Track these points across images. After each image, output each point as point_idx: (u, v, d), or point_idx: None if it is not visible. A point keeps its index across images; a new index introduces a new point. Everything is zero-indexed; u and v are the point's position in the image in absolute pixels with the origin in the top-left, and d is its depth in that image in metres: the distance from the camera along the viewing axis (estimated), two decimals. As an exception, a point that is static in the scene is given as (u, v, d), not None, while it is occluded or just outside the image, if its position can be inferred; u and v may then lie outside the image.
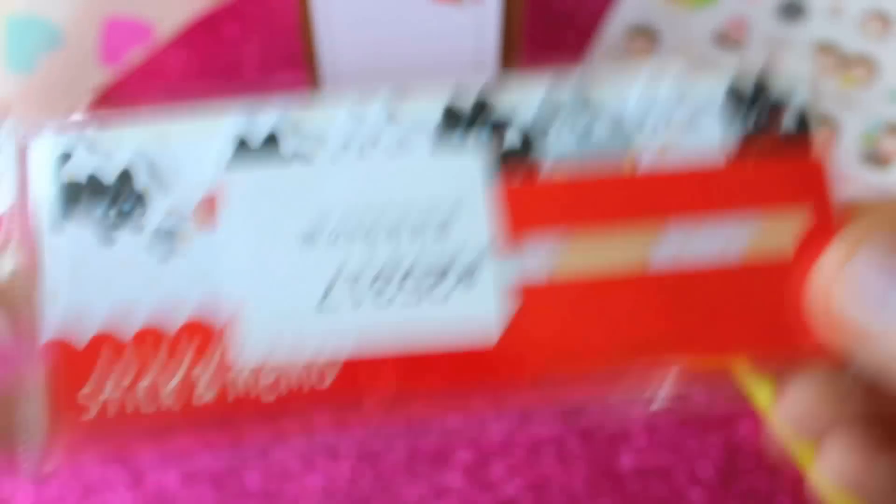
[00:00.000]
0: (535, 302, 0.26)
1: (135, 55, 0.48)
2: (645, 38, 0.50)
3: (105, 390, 0.26)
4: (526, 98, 0.27)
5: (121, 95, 0.49)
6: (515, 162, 0.26)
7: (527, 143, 0.26)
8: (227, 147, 0.26)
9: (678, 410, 0.31)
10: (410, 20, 0.42)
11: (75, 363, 0.26)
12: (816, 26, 0.50)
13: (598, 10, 0.50)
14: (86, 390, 0.26)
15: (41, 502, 0.45)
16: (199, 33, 0.50)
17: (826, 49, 0.49)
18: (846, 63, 0.49)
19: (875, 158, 0.48)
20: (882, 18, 0.50)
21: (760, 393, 0.45)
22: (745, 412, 0.45)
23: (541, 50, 0.50)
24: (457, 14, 0.42)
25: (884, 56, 0.49)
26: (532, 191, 0.26)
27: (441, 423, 0.45)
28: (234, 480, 0.45)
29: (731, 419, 0.45)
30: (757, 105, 0.27)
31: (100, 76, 0.47)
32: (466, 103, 0.27)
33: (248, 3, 0.51)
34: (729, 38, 0.50)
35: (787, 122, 0.27)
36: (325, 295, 0.26)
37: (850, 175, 0.48)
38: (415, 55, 0.43)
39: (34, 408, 0.26)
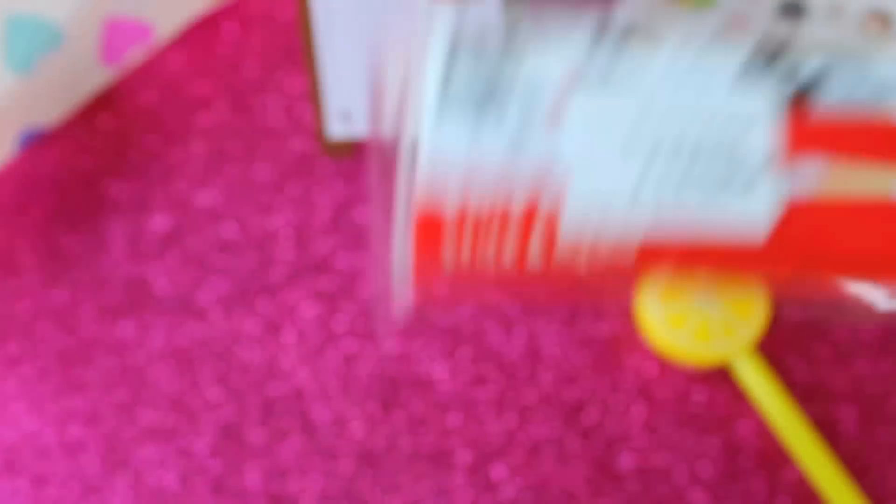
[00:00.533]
0: (797, 214, 0.32)
1: (135, 55, 0.48)
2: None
3: (462, 247, 0.32)
4: (818, 47, 0.33)
5: (121, 96, 0.49)
6: (801, 96, 0.32)
7: (814, 83, 0.32)
8: (574, 68, 0.32)
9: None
10: (410, 20, 0.42)
11: (441, 228, 0.32)
12: (816, 26, 0.50)
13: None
14: (445, 246, 0.32)
15: (41, 501, 0.45)
16: (199, 33, 0.50)
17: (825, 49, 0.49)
18: (846, 63, 0.49)
19: (875, 158, 0.48)
20: (882, 18, 0.50)
21: (760, 390, 0.45)
22: (745, 412, 0.45)
23: (541, 50, 0.50)
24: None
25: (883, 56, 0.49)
26: (813, 123, 0.32)
27: (441, 422, 0.45)
28: (235, 480, 0.45)
29: (731, 419, 0.45)
30: None
31: (100, 76, 0.47)
32: (776, 45, 0.33)
33: (248, 2, 0.51)
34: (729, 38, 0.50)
35: None
36: (636, 189, 0.32)
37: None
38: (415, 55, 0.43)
39: (406, 255, 0.33)
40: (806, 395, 0.46)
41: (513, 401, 0.46)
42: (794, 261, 0.32)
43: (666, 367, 0.46)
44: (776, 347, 0.46)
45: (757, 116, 0.32)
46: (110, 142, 0.49)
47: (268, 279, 0.47)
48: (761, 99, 0.32)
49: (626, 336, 0.46)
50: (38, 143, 0.49)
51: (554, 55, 0.32)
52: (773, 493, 0.44)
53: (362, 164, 0.49)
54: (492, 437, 0.45)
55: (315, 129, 0.48)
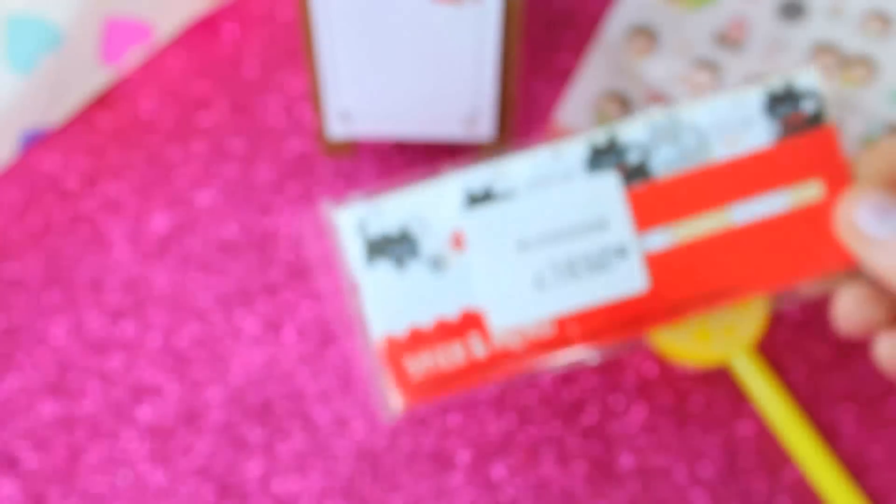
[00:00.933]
0: (664, 263, 0.40)
1: (134, 55, 0.48)
2: (645, 37, 0.50)
3: (420, 359, 0.40)
4: (637, 129, 0.40)
5: (121, 96, 0.49)
6: (637, 175, 0.40)
7: (643, 161, 0.40)
8: (458, 199, 0.40)
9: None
10: (410, 20, 0.42)
11: (399, 350, 0.40)
12: (816, 26, 0.50)
13: (598, 10, 0.50)
14: (407, 362, 0.40)
15: (41, 503, 0.45)
16: (199, 33, 0.50)
17: (826, 49, 0.49)
18: (846, 63, 0.49)
19: (875, 158, 0.48)
20: (882, 18, 0.50)
21: (760, 390, 0.45)
22: (745, 412, 0.45)
23: (541, 50, 0.50)
24: (457, 14, 0.42)
25: (884, 56, 0.49)
26: (650, 192, 0.40)
27: (441, 422, 0.45)
28: (235, 479, 0.45)
29: (731, 419, 0.45)
30: (788, 103, 0.40)
31: (100, 76, 0.47)
32: (602, 140, 0.40)
33: (248, 2, 0.51)
34: (729, 38, 0.50)
35: (808, 109, 0.40)
36: (538, 279, 0.40)
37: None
38: (415, 55, 0.43)
39: (381, 379, 0.40)
40: (806, 395, 0.46)
41: (513, 401, 0.46)
42: (681, 299, 0.40)
43: (666, 367, 0.46)
44: (776, 347, 0.46)
45: (608, 196, 0.40)
46: (110, 142, 0.49)
47: (268, 279, 0.47)
48: (608, 183, 0.40)
49: (626, 336, 0.46)
50: (38, 143, 0.49)
51: (439, 193, 0.40)
52: (773, 493, 0.44)
53: (362, 164, 0.49)
54: (492, 437, 0.45)
55: (315, 129, 0.48)
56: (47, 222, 0.48)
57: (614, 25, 0.50)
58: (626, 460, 0.45)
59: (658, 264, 0.40)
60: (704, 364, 0.45)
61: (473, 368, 0.40)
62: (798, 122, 0.40)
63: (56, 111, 0.47)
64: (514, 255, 0.40)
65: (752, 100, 0.40)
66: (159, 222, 0.48)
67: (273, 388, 0.46)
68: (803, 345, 0.46)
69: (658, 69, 0.49)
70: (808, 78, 0.40)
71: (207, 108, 0.49)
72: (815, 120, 0.40)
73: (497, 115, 0.45)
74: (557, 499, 0.44)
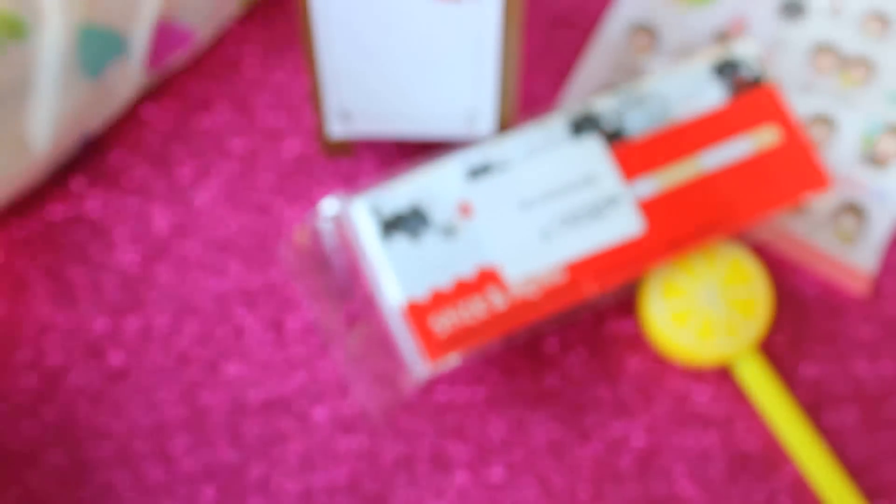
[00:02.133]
0: (654, 207, 0.44)
1: (176, 59, 0.48)
2: (645, 35, 0.50)
3: (444, 317, 0.43)
4: (608, 102, 0.45)
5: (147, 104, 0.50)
6: (615, 137, 0.45)
7: (617, 125, 0.45)
8: (460, 174, 0.44)
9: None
10: (410, 19, 0.42)
11: (423, 311, 0.43)
12: (816, 26, 0.50)
13: (598, 9, 0.50)
14: (432, 321, 0.42)
15: None
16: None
17: (825, 49, 0.49)
18: (845, 63, 0.49)
19: (873, 159, 0.48)
20: (881, 19, 0.50)
21: (760, 390, 0.45)
22: (745, 412, 0.45)
23: (541, 50, 0.50)
24: (457, 14, 0.42)
25: (882, 57, 0.49)
26: (629, 150, 0.45)
27: (442, 422, 0.45)
28: (236, 479, 0.45)
29: (731, 419, 0.45)
30: (731, 68, 0.46)
31: (144, 80, 0.48)
32: (580, 112, 0.45)
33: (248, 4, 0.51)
34: (728, 37, 0.50)
35: (748, 72, 0.46)
36: (543, 232, 0.43)
37: (848, 176, 0.48)
38: (414, 54, 0.43)
39: (407, 341, 0.42)
40: (807, 395, 0.46)
41: (513, 401, 0.46)
42: (675, 237, 0.44)
43: (666, 366, 0.46)
44: (776, 347, 0.46)
45: (594, 155, 0.44)
46: (110, 142, 0.49)
47: (268, 279, 0.47)
48: (592, 144, 0.45)
49: (627, 336, 0.46)
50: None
51: (442, 171, 0.44)
52: (773, 493, 0.44)
53: (362, 164, 0.49)
54: (492, 437, 0.45)
55: (315, 129, 0.48)
56: (48, 222, 0.48)
57: (615, 23, 0.50)
58: (625, 460, 0.45)
59: (649, 208, 0.44)
60: (706, 364, 0.45)
61: (496, 319, 0.43)
62: (742, 83, 0.46)
63: (105, 114, 0.47)
64: (519, 214, 0.44)
65: (702, 68, 0.46)
66: (159, 222, 0.48)
67: (273, 388, 0.46)
68: (803, 345, 0.46)
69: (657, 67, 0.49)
70: (744, 48, 0.46)
71: (207, 108, 0.49)
72: (757, 80, 0.46)
73: (497, 113, 0.45)
74: (557, 499, 0.44)
